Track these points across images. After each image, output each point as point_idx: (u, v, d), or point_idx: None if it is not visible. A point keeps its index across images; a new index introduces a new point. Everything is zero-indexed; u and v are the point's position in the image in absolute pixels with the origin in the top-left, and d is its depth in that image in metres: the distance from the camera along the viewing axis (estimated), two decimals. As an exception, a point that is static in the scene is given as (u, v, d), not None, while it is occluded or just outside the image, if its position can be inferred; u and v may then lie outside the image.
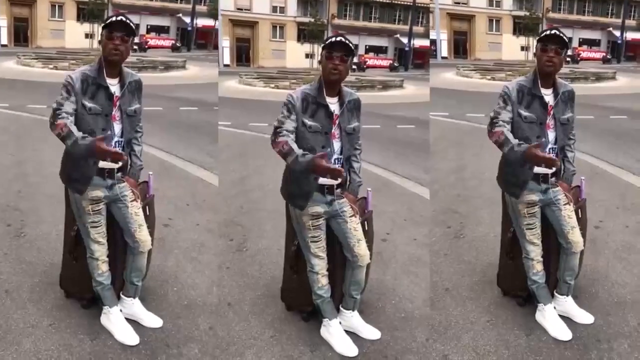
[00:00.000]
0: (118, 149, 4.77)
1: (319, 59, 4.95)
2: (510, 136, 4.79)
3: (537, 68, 5.02)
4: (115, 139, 4.89)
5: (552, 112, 5.02)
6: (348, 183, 5.06)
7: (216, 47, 39.27)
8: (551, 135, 5.05)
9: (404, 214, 7.93)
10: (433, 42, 41.32)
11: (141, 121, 5.15)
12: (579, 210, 5.38)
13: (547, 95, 5.02)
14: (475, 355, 4.94)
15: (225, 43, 40.66)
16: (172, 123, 13.67)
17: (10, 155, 10.15)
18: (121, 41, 4.78)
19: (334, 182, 4.90)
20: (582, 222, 5.38)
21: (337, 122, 4.87)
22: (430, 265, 6.31)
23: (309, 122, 4.78)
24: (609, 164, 10.45)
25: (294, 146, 4.63)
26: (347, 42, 4.77)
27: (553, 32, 4.93)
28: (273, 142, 4.71)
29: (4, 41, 39.72)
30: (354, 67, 5.30)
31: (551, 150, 5.07)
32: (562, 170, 5.20)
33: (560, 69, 5.01)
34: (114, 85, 4.86)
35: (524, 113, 4.96)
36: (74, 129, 4.55)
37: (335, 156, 4.90)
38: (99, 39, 4.93)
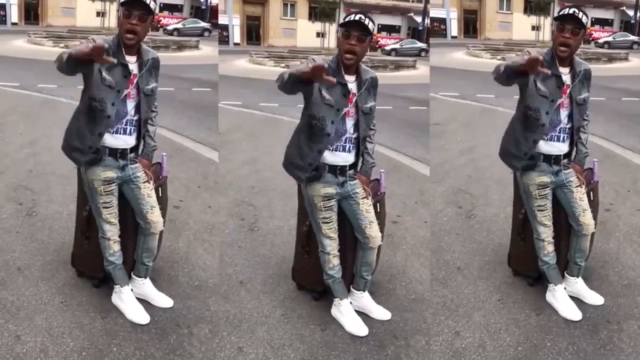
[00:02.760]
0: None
1: (337, 35, 4.85)
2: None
3: (553, 48, 4.95)
4: (128, 117, 4.86)
5: (568, 91, 4.97)
6: (361, 164, 5.04)
7: (217, 26, 38.96)
8: (563, 114, 5.00)
9: (415, 196, 7.93)
10: (442, 20, 41.06)
11: (156, 101, 5.08)
12: (591, 193, 5.38)
13: (565, 74, 4.96)
14: (487, 333, 4.98)
15: (235, 21, 40.47)
16: (184, 104, 13.63)
17: (21, 135, 10.15)
18: (139, 20, 4.66)
19: (347, 162, 4.90)
20: (593, 205, 5.38)
21: (353, 100, 4.83)
22: (441, 245, 6.33)
23: (325, 94, 4.72)
24: (620, 146, 10.42)
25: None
26: (364, 21, 4.65)
27: (571, 11, 4.82)
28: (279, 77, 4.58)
29: (15, 19, 39.65)
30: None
31: (562, 131, 5.04)
32: (575, 152, 5.18)
33: (577, 49, 4.94)
34: (132, 63, 4.79)
35: (539, 85, 4.89)
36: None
37: (347, 135, 4.86)
38: (118, 14, 4.79)
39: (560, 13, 4.87)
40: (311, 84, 4.62)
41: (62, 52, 4.47)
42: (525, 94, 4.95)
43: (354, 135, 4.90)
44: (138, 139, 4.98)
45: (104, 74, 4.66)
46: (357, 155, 4.97)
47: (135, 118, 4.91)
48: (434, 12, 41.05)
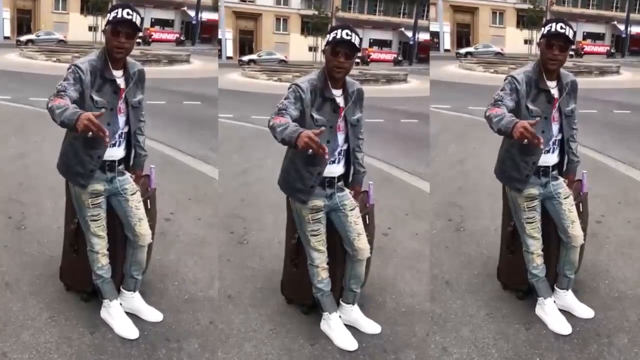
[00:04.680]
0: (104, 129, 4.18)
1: (323, 48, 4.86)
2: (506, 112, 4.60)
3: (540, 62, 4.97)
4: (119, 131, 4.86)
5: (557, 105, 4.99)
6: (352, 174, 5.05)
7: (208, 41, 39.06)
8: (555, 127, 5.03)
9: (406, 209, 7.92)
10: (435, 34, 41.18)
11: (143, 111, 5.09)
12: (580, 205, 5.38)
13: (553, 88, 4.98)
14: (475, 349, 4.95)
15: (228, 35, 40.54)
16: (175, 117, 13.65)
17: (12, 148, 10.14)
18: (126, 38, 4.69)
19: (335, 174, 4.89)
20: (583, 217, 5.37)
21: (342, 114, 4.84)
22: (430, 258, 6.31)
23: (316, 116, 4.73)
24: (611, 158, 10.43)
25: (290, 122, 4.42)
26: (352, 38, 4.65)
27: (559, 29, 4.80)
28: (272, 119, 4.50)
29: (7, 33, 39.66)
30: (357, 60, 5.26)
31: (553, 143, 5.04)
32: (566, 162, 5.19)
33: (565, 62, 4.95)
34: (119, 77, 4.80)
35: (531, 107, 4.89)
36: (70, 105, 4.30)
37: (338, 149, 4.88)
38: (103, 28, 4.81)
39: (547, 31, 4.85)
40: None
41: (52, 107, 4.27)
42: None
43: (344, 148, 4.92)
44: (126, 150, 4.98)
45: (95, 97, 4.66)
46: (345, 167, 4.97)
47: (125, 131, 4.92)
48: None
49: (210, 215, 7.37)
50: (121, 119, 4.85)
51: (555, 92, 4.98)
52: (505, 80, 4.94)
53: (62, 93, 4.45)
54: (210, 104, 15.00)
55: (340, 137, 4.88)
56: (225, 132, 12.17)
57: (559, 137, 5.08)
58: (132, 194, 4.99)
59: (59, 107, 4.23)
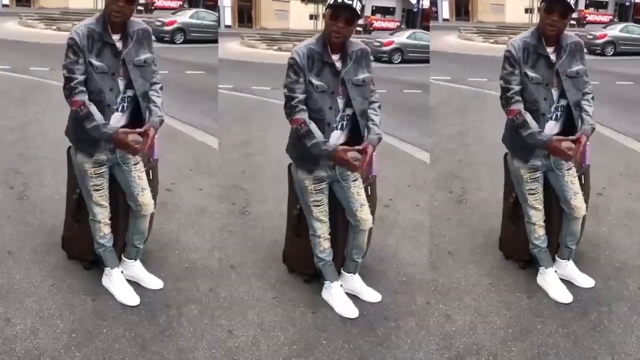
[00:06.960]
0: (138, 141, 4.62)
1: (324, 13, 4.77)
2: (529, 119, 4.77)
3: (539, 27, 4.90)
4: (121, 95, 4.77)
5: (555, 68, 4.92)
6: (366, 134, 4.83)
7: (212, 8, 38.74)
8: (555, 93, 4.95)
9: (408, 180, 7.92)
10: (434, 3, 40.85)
11: (155, 72, 4.96)
12: (582, 176, 5.38)
13: (552, 53, 4.91)
14: (477, 316, 4.98)
15: (226, 2, 40.23)
16: (178, 87, 13.56)
17: (12, 118, 10.12)
18: (125, 2, 4.62)
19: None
20: (585, 188, 5.37)
21: (341, 77, 4.76)
22: (432, 229, 6.32)
23: (315, 82, 4.67)
24: (613, 130, 10.40)
25: (313, 127, 4.60)
26: (353, 4, 4.55)
27: None
28: (289, 115, 4.65)
29: (6, 1, 39.42)
30: (359, 29, 5.20)
31: (555, 109, 4.99)
32: (580, 123, 5.00)
33: (565, 29, 4.88)
34: (118, 40, 4.72)
35: (531, 74, 4.86)
36: (94, 110, 4.54)
37: (340, 114, 4.79)
38: None
39: None
40: None
41: (78, 112, 4.59)
42: (521, 90, 4.89)
43: (348, 113, 4.82)
44: (132, 116, 4.86)
45: (94, 62, 4.63)
46: (349, 134, 4.85)
47: (129, 94, 4.82)
48: (425, -5, 40.87)
49: (212, 185, 7.37)
50: (121, 83, 4.77)
51: (554, 56, 4.92)
52: (503, 55, 4.91)
53: (74, 85, 4.57)
54: (213, 74, 14.96)
55: (341, 101, 4.78)
56: (226, 103, 12.13)
57: (563, 103, 4.99)
58: (134, 164, 4.98)
59: (89, 120, 4.57)
